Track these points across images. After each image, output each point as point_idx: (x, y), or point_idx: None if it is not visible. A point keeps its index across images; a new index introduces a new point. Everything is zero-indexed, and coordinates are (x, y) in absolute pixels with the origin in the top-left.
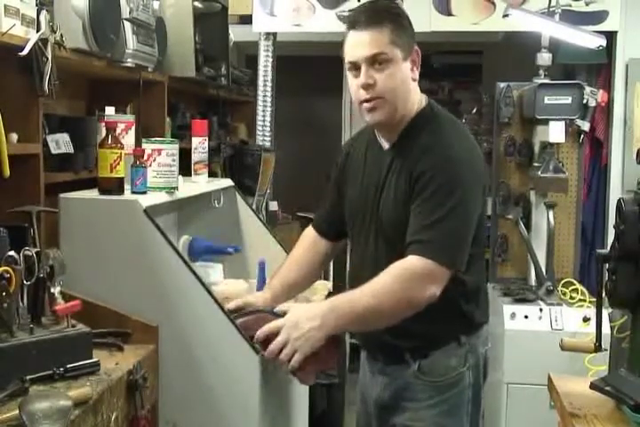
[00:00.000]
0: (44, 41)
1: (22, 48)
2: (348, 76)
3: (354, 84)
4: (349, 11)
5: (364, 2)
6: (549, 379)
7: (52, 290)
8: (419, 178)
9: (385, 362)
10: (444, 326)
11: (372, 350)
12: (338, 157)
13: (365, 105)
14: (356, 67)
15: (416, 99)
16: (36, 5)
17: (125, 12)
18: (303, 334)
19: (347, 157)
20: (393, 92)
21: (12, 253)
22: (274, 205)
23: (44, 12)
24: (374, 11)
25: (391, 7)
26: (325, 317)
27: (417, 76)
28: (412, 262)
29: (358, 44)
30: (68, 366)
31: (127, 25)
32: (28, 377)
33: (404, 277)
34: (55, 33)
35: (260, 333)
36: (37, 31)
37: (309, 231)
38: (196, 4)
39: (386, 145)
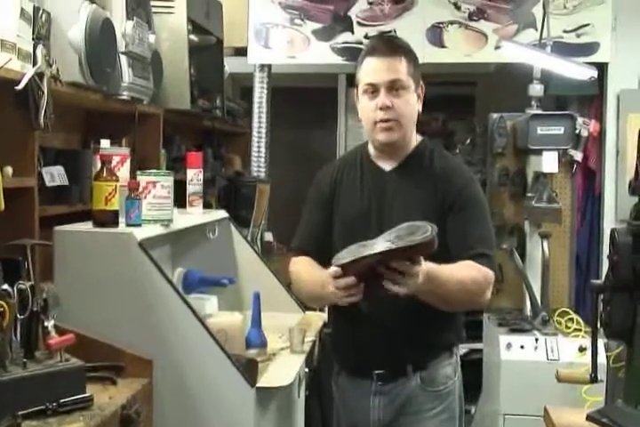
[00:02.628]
0: (40, 75)
1: (18, 82)
2: (363, 98)
3: (370, 106)
4: (368, 38)
5: (376, 34)
6: (546, 411)
7: (46, 324)
8: (457, 196)
9: (383, 380)
10: (445, 335)
11: (366, 368)
12: (321, 178)
13: (381, 125)
14: (373, 89)
15: (414, 133)
16: (33, 40)
17: (121, 46)
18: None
19: (335, 181)
20: (406, 117)
21: (5, 286)
22: (269, 236)
23: (40, 47)
24: (392, 42)
25: (404, 42)
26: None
27: (420, 108)
28: (487, 274)
29: (379, 69)
30: (61, 400)
31: (123, 58)
32: (20, 413)
33: (482, 284)
34: (51, 67)
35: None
36: (34, 65)
37: (299, 258)
38: (192, 37)
39: (387, 167)
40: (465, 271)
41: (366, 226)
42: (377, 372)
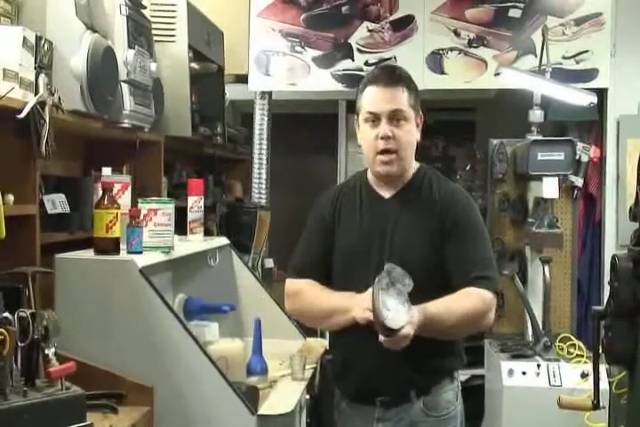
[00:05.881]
0: (41, 103)
1: (20, 111)
2: (364, 126)
3: (371, 135)
4: (368, 65)
5: (378, 64)
6: None
7: (47, 351)
8: (454, 222)
9: (386, 405)
10: (447, 360)
11: (369, 395)
12: (321, 205)
13: (381, 158)
14: (374, 118)
15: (413, 161)
16: (35, 69)
17: (123, 74)
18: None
19: (335, 209)
20: (406, 148)
21: (6, 314)
22: (269, 263)
23: (42, 75)
24: (393, 72)
25: (405, 72)
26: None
27: (419, 137)
28: (487, 297)
29: (381, 99)
30: None
31: (124, 86)
32: None
33: (482, 310)
34: (53, 95)
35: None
36: (35, 94)
37: (302, 280)
38: (193, 64)
39: (386, 194)
40: (464, 303)
41: (367, 253)
42: (380, 398)
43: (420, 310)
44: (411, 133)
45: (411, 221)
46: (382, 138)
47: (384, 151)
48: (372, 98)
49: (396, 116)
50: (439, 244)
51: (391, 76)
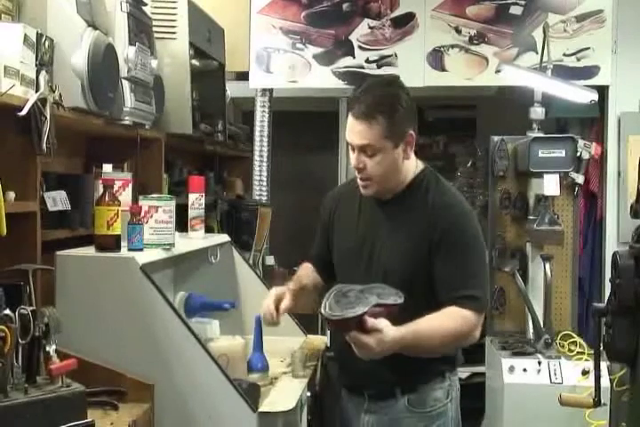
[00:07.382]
0: (42, 100)
1: (21, 108)
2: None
3: (352, 158)
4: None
5: (366, 84)
6: None
7: (48, 349)
8: (444, 235)
9: (372, 398)
10: (434, 362)
11: (359, 388)
12: (324, 203)
13: (359, 181)
14: (352, 146)
15: (410, 167)
16: (36, 66)
17: (124, 71)
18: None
19: (336, 205)
20: (380, 176)
21: (7, 311)
22: (270, 260)
23: (43, 73)
24: (371, 102)
25: (388, 97)
26: (393, 348)
27: (410, 154)
28: (470, 317)
29: (354, 131)
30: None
31: (125, 83)
32: None
33: (464, 330)
34: (54, 92)
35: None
36: (36, 91)
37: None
38: (194, 62)
39: (383, 197)
40: (445, 323)
41: (358, 256)
42: (368, 392)
43: (399, 330)
44: (384, 163)
45: (400, 229)
46: (354, 167)
47: (360, 178)
48: (349, 127)
49: (366, 150)
50: (427, 254)
51: (366, 106)
